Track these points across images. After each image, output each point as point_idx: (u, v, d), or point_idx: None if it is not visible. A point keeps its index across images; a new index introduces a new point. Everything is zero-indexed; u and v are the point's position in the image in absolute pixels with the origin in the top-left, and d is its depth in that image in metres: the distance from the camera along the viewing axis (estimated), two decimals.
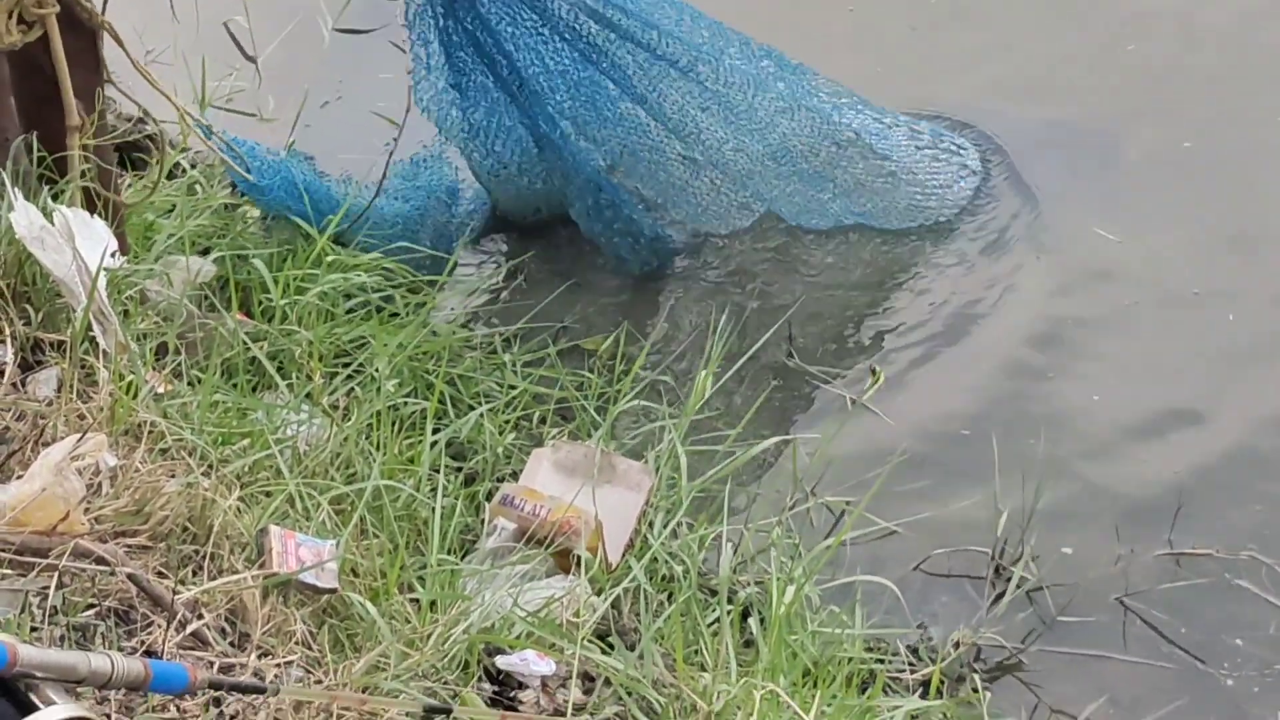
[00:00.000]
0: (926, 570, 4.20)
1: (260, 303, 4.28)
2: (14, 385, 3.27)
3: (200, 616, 2.79)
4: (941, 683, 3.76)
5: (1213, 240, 5.27)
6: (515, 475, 4.04)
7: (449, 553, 3.48)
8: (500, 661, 3.06)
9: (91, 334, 3.37)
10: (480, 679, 3.02)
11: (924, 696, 3.65)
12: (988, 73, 5.97)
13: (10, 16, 3.76)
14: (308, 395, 3.84)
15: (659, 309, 5.13)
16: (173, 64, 5.42)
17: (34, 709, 1.88)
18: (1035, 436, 4.52)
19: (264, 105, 5.75)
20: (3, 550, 2.72)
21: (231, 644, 2.80)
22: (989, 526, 4.23)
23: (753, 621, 3.60)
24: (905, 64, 6.06)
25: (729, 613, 3.44)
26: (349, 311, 4.38)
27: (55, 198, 3.75)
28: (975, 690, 3.76)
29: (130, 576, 2.77)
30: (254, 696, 2.59)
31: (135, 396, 3.27)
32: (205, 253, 4.42)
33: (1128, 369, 4.84)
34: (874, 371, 4.82)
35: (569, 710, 2.96)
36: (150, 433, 3.20)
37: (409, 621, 3.07)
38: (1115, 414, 4.69)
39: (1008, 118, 5.78)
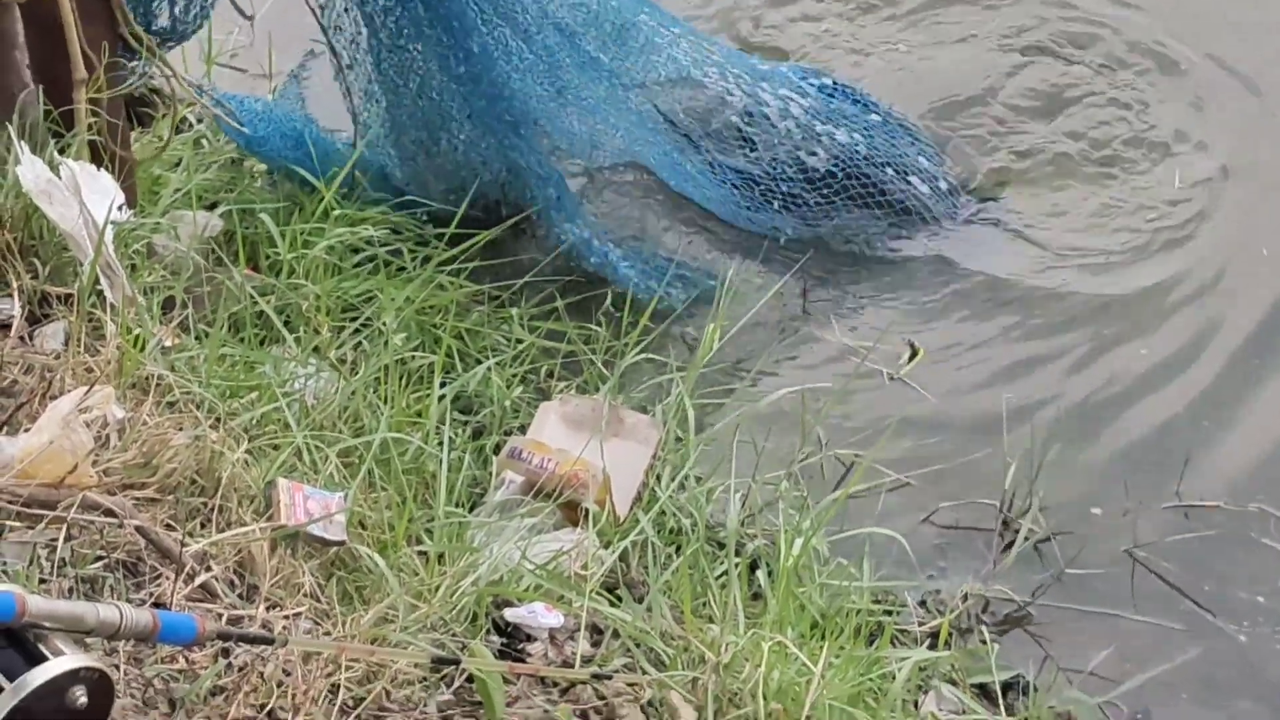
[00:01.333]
0: (935, 523, 4.20)
1: (268, 257, 4.27)
2: (21, 338, 3.27)
3: (209, 569, 2.79)
4: (949, 635, 3.76)
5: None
6: (523, 429, 4.04)
7: (457, 506, 3.48)
8: (508, 614, 3.07)
9: (99, 288, 3.37)
10: (489, 631, 3.02)
11: (932, 648, 3.66)
12: None
13: None
14: (315, 349, 3.83)
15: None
16: None
17: (43, 659, 1.88)
18: (1044, 391, 4.51)
19: (265, 63, 5.70)
20: (11, 503, 2.72)
21: (240, 596, 2.80)
22: (997, 480, 4.22)
23: (761, 574, 3.60)
24: None
25: (737, 565, 3.44)
26: (356, 265, 4.37)
27: (62, 151, 3.74)
28: (983, 642, 3.76)
29: (139, 529, 2.77)
30: (262, 648, 2.59)
31: (143, 350, 3.27)
32: (212, 207, 4.41)
33: (1134, 324, 4.84)
34: (912, 346, 4.78)
35: (577, 662, 2.96)
36: (158, 386, 3.20)
37: (417, 574, 3.07)
38: (1123, 366, 4.68)
39: None
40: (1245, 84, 5.79)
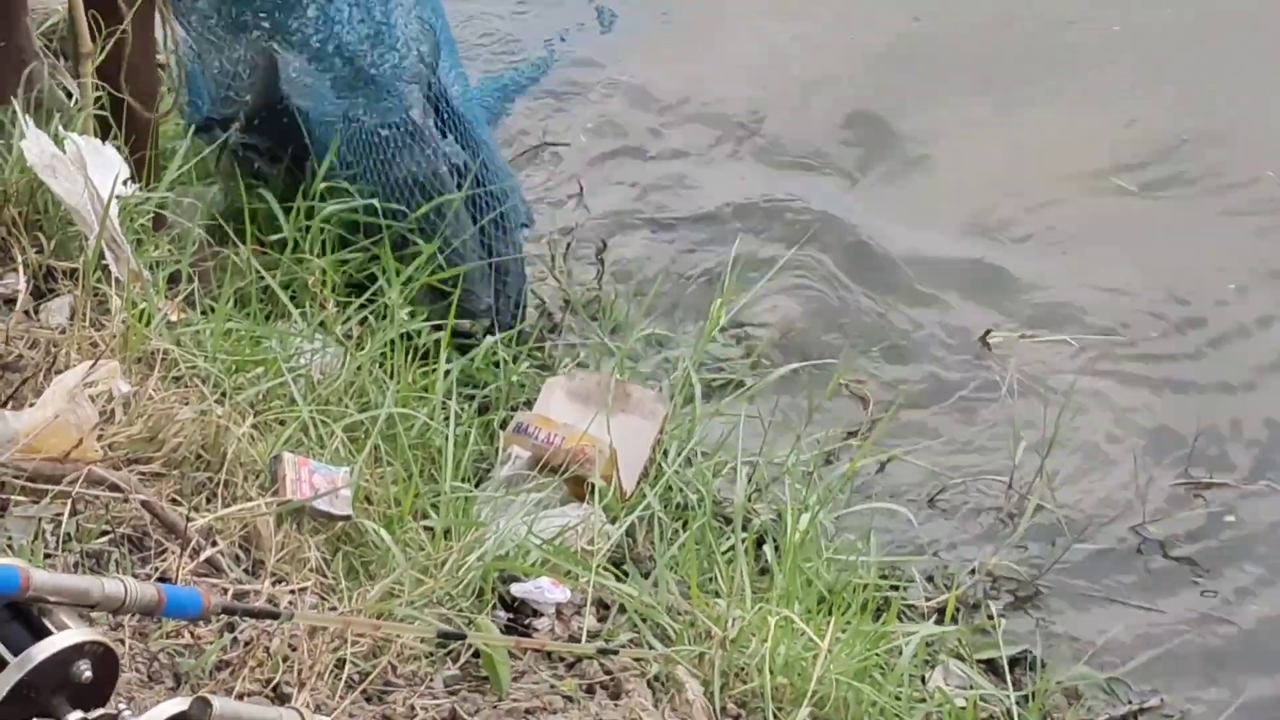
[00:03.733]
0: (943, 497, 4.20)
1: (275, 230, 4.25)
2: (26, 313, 3.26)
3: (214, 543, 2.79)
4: (956, 610, 3.76)
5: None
6: (529, 404, 4.03)
7: (463, 481, 3.47)
8: (515, 589, 3.06)
9: (104, 262, 3.36)
10: (495, 606, 3.01)
11: (939, 623, 3.65)
12: None
13: None
14: (322, 324, 3.82)
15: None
16: None
17: (47, 633, 1.88)
18: (1055, 365, 4.51)
19: None
20: (16, 477, 2.72)
21: (246, 571, 2.80)
22: (1007, 454, 4.22)
23: (767, 549, 3.60)
24: None
25: (744, 540, 3.44)
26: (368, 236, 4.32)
27: (67, 125, 3.73)
28: (990, 618, 3.75)
29: (144, 503, 2.77)
30: (268, 622, 2.59)
31: (148, 325, 3.26)
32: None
33: (1142, 296, 4.83)
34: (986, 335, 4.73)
35: (583, 637, 2.96)
36: (163, 360, 3.19)
37: (423, 549, 3.06)
38: (1132, 341, 4.68)
39: None
40: None
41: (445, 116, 4.32)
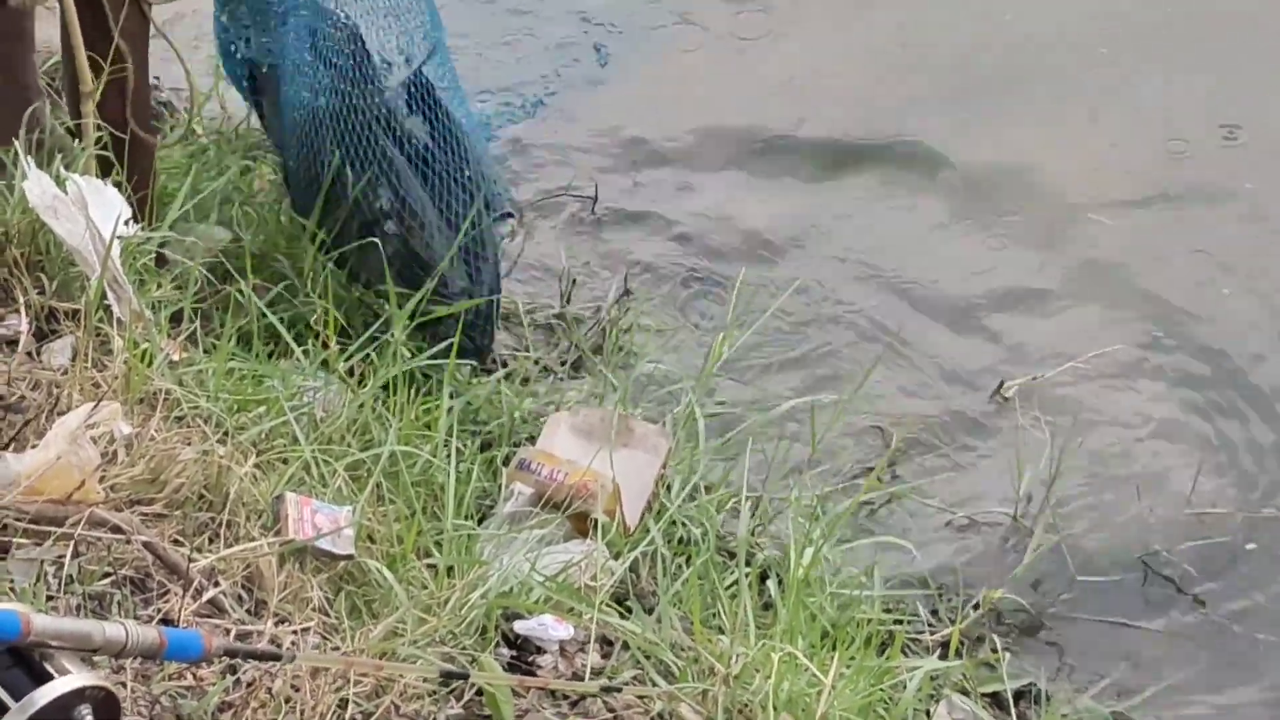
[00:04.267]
0: (947, 530, 4.19)
1: (276, 265, 4.27)
2: (29, 354, 3.26)
3: (216, 584, 2.79)
4: (961, 644, 3.75)
5: None
6: (532, 439, 4.03)
7: (466, 518, 3.47)
8: (518, 626, 3.06)
9: (106, 302, 3.36)
10: (498, 644, 3.01)
11: (943, 658, 3.64)
12: None
13: None
14: (324, 362, 3.83)
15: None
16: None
17: (49, 678, 1.88)
18: (1058, 397, 4.50)
19: None
20: (18, 519, 2.72)
21: (248, 611, 2.80)
22: (1010, 486, 4.21)
23: (771, 584, 3.59)
24: None
25: (747, 575, 3.44)
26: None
27: (69, 165, 3.74)
28: (995, 651, 3.74)
29: (146, 544, 2.76)
30: (270, 664, 2.59)
31: (150, 365, 3.26)
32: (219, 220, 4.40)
33: (1144, 329, 4.83)
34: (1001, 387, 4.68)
35: (587, 675, 2.96)
36: (165, 400, 3.20)
37: (426, 587, 3.06)
38: (1137, 372, 4.67)
39: None
40: None
41: (416, 96, 4.36)
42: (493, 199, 4.54)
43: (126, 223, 3.56)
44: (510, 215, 4.95)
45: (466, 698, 2.78)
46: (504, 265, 4.77)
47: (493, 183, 4.65)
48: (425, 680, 2.73)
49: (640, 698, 2.88)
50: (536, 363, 4.53)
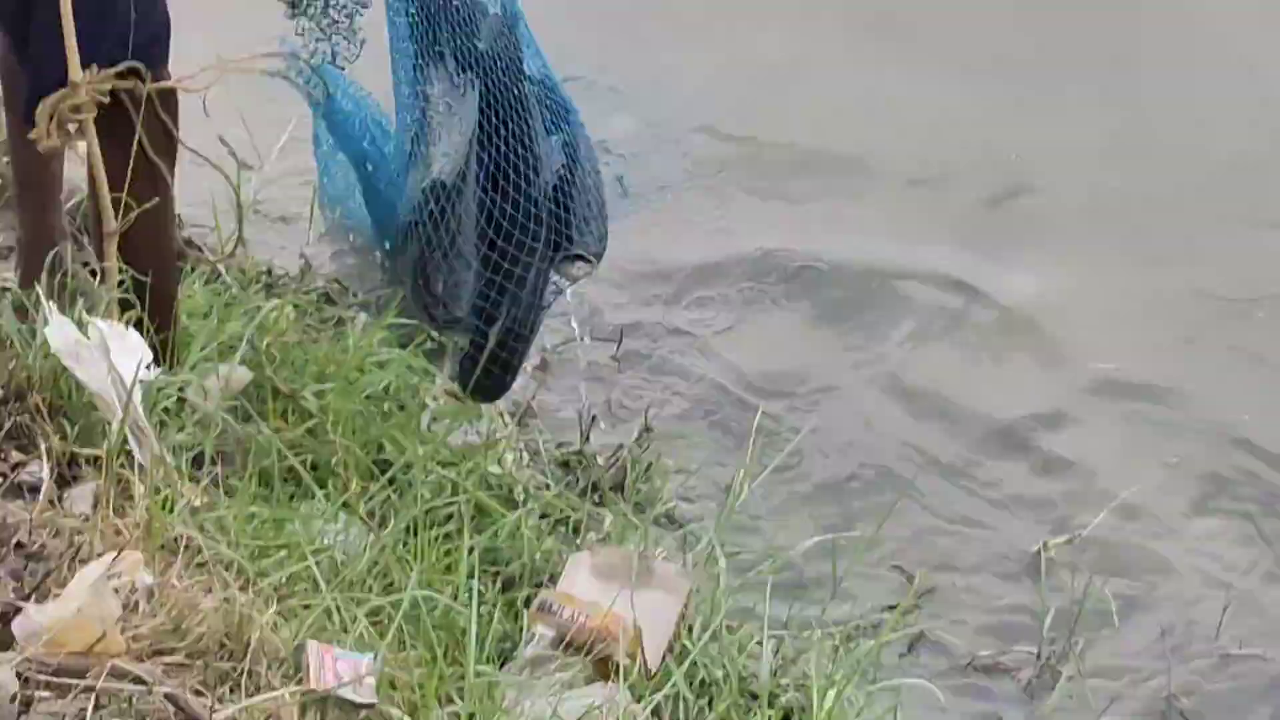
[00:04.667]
0: (971, 669, 4.16)
1: (293, 410, 4.26)
2: (50, 502, 3.26)
3: None
4: None
5: None
6: (554, 578, 4.01)
7: (487, 662, 3.44)
8: None
9: (128, 448, 3.36)
10: None
11: None
12: None
13: (51, 119, 3.78)
14: (345, 504, 3.82)
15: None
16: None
17: None
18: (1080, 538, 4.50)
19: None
20: (40, 672, 2.71)
21: None
22: (1035, 624, 4.19)
23: None
24: None
25: (769, 718, 3.41)
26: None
27: (90, 309, 3.76)
28: None
29: (168, 696, 2.74)
30: None
31: (171, 511, 3.26)
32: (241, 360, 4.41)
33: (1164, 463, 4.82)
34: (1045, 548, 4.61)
35: None
36: (187, 547, 3.18)
37: None
38: (1161, 511, 4.65)
39: None
40: None
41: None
42: (574, 234, 4.44)
43: (148, 366, 3.57)
44: (583, 258, 4.57)
45: None
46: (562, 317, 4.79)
47: (582, 219, 4.47)
48: None
49: None
50: (557, 499, 4.51)
